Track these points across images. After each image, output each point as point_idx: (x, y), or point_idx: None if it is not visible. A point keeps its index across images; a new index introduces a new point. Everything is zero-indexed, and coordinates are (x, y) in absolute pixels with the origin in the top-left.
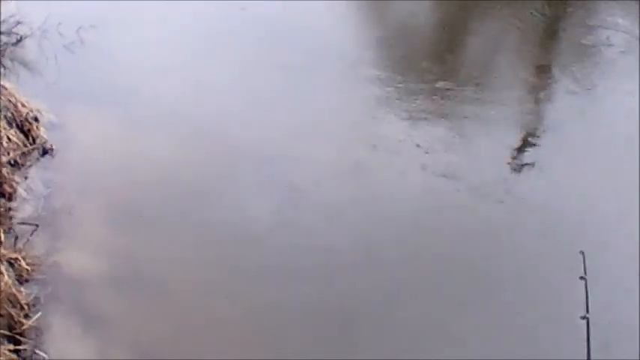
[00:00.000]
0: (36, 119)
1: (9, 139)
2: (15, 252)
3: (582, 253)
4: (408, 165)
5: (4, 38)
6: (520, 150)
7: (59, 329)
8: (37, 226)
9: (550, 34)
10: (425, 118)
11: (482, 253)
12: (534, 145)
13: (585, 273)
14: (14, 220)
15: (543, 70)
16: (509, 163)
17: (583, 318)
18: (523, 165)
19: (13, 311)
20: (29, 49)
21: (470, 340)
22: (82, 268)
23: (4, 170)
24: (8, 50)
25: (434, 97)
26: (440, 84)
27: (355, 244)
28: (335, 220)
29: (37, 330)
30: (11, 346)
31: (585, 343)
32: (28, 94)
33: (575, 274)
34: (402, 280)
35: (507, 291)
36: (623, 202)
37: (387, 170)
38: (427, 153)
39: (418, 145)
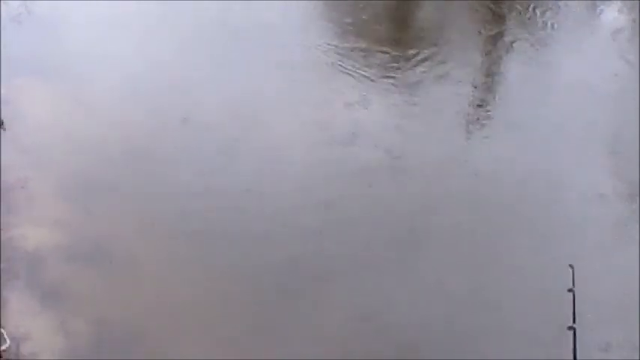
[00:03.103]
0: None
1: None
2: None
3: (571, 266)
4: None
5: None
6: (471, 112)
7: (17, 305)
8: None
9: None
10: (383, 87)
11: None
12: (488, 110)
13: (574, 285)
14: None
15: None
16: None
17: (570, 328)
18: (476, 132)
19: None
20: None
21: None
22: (37, 243)
23: None
24: None
25: (389, 64)
26: (394, 51)
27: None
28: (289, 186)
29: None
30: None
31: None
32: None
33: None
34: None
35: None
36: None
37: (341, 135)
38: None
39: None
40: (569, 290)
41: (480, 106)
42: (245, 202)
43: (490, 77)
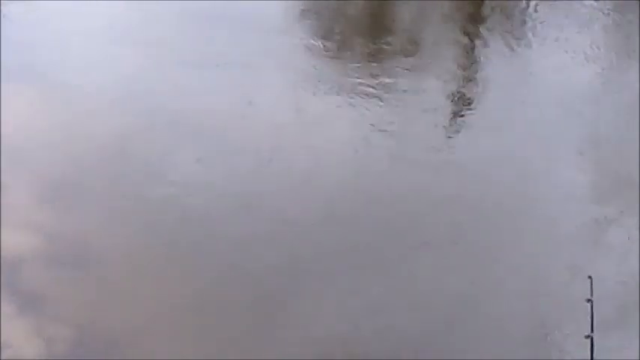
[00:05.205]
0: None
1: None
2: None
3: (590, 277)
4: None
5: None
6: (454, 112)
7: None
8: None
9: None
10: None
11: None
12: (468, 106)
13: (592, 295)
14: None
15: (474, 32)
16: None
17: (587, 337)
18: (456, 127)
19: None
20: None
21: None
22: (14, 247)
23: None
24: None
25: (368, 62)
26: (373, 49)
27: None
28: (270, 182)
29: None
30: None
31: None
32: None
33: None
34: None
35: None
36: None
37: (322, 132)
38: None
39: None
40: (588, 300)
41: (465, 106)
42: (241, 202)
43: (473, 79)
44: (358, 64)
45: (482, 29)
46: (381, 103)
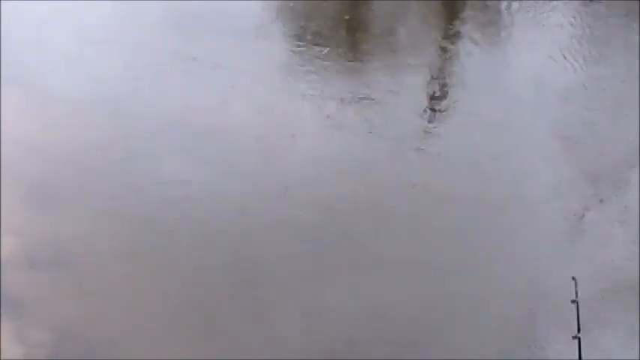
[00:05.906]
0: None
1: None
2: None
3: (574, 278)
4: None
5: None
6: (432, 108)
7: None
8: None
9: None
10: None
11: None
12: (444, 103)
13: (577, 296)
14: None
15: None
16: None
17: (575, 337)
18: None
19: None
20: None
21: None
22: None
23: None
24: None
25: (345, 61)
26: (358, 49)
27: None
28: (269, 182)
29: None
30: None
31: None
32: None
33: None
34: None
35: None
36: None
37: (302, 127)
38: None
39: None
40: (573, 301)
41: (453, 106)
42: (240, 202)
43: (459, 78)
44: (347, 64)
45: (464, 29)
46: (373, 104)
